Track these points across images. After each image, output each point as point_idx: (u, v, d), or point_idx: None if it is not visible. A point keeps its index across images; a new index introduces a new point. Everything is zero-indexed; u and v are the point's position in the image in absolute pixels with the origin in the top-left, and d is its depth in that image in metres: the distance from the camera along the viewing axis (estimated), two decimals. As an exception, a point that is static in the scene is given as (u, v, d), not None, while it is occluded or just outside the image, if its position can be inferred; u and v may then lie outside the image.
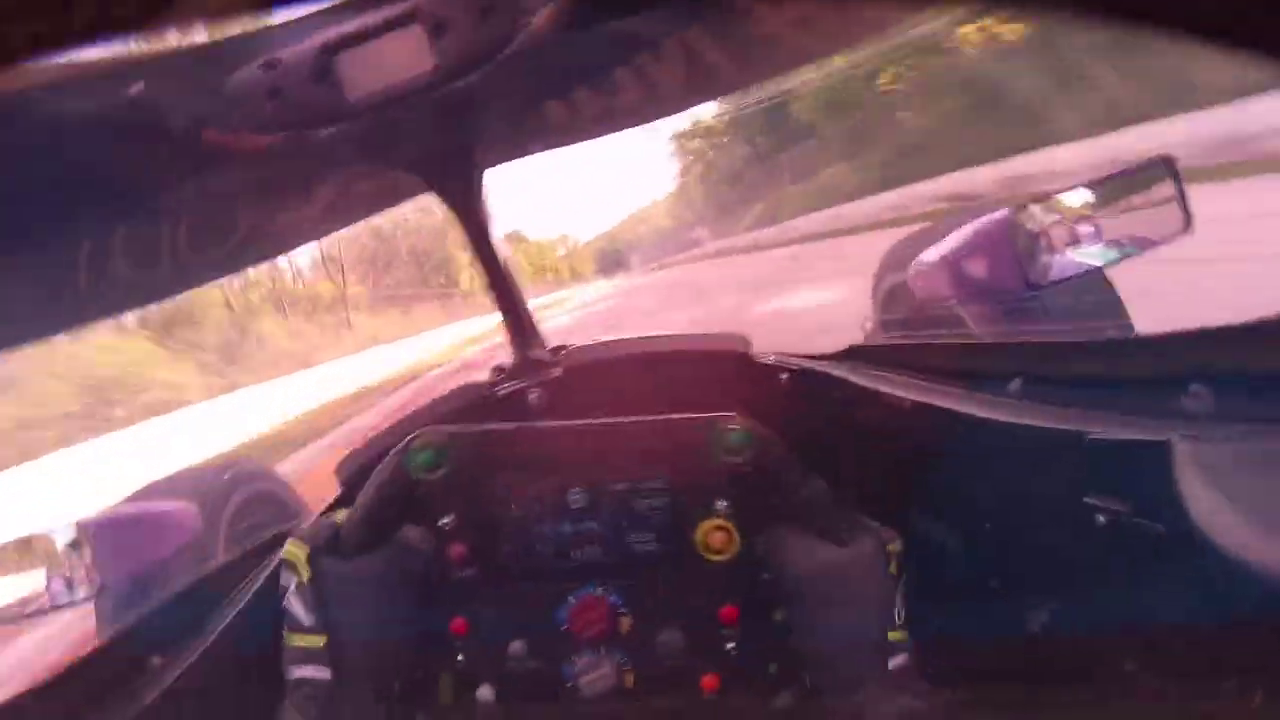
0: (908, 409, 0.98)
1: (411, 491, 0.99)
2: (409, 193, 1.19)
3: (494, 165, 1.11)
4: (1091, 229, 1.10)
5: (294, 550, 0.97)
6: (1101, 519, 0.82)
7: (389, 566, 0.97)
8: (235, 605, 1.12)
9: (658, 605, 1.00)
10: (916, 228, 1.62)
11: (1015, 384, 0.98)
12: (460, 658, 1.02)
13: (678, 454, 0.98)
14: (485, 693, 1.01)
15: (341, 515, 1.03)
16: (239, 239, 1.11)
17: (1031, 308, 1.18)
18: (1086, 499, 0.81)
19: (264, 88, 0.96)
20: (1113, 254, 1.09)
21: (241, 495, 1.54)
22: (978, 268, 1.07)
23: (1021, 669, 0.85)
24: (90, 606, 1.46)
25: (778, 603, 0.99)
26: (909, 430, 0.98)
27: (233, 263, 1.15)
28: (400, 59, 0.95)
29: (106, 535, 1.13)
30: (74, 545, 1.20)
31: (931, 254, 1.11)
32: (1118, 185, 1.10)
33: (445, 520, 1.01)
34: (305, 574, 0.97)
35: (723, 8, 1.01)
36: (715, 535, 0.98)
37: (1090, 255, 1.08)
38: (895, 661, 0.90)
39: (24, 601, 1.24)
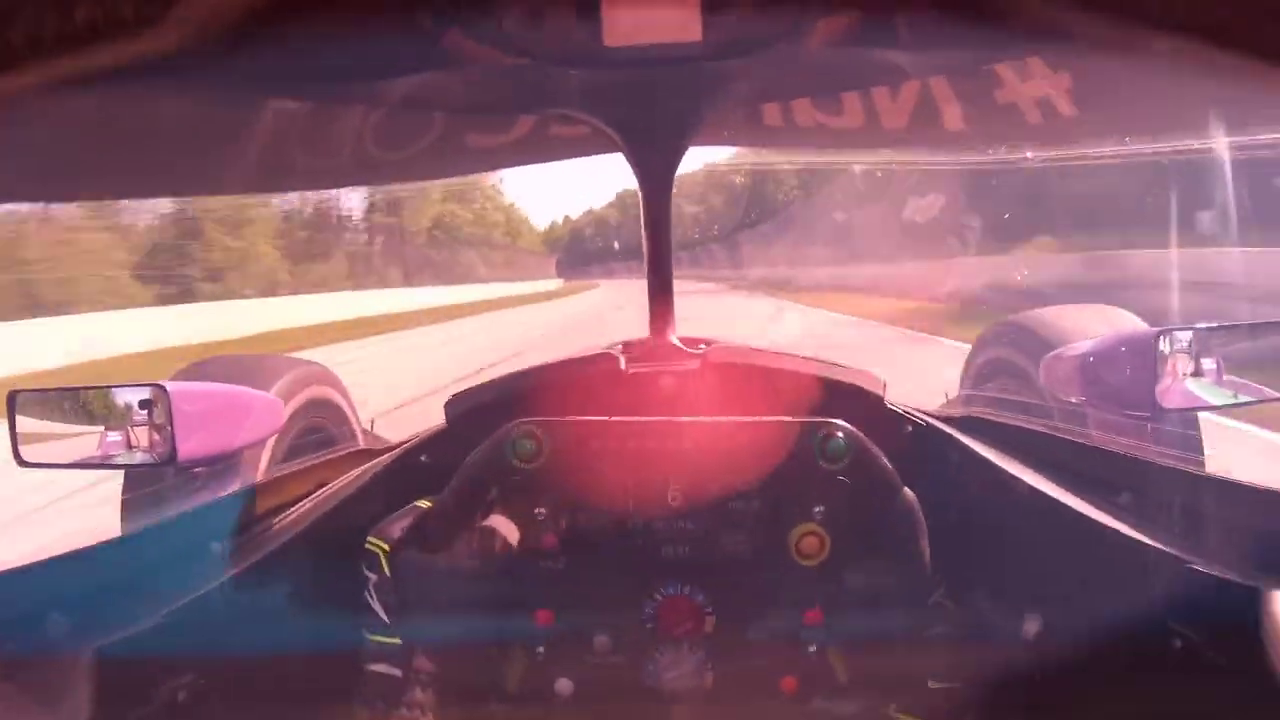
0: (1022, 491, 1.03)
1: (506, 479, 0.99)
2: (598, 149, 1.16)
3: (694, 145, 1.10)
4: (1215, 368, 1.17)
5: (376, 544, 0.98)
6: (1178, 644, 0.88)
7: (474, 557, 0.98)
8: (302, 511, 1.09)
9: (744, 606, 1.01)
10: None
11: (1125, 496, 1.03)
12: (541, 650, 1.01)
13: (778, 457, 0.99)
14: (564, 686, 1.01)
15: (426, 503, 1.02)
16: (424, 148, 1.06)
17: (1138, 427, 1.25)
18: (1170, 623, 0.88)
19: (526, 6, 0.92)
20: (1228, 397, 1.16)
21: (305, 396, 1.49)
22: (1114, 376, 1.13)
23: None
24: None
25: (856, 608, 1.01)
26: (1015, 511, 1.02)
27: (410, 170, 1.10)
28: (669, 22, 0.92)
29: (187, 406, 1.07)
30: (147, 406, 1.14)
31: (1072, 350, 1.16)
32: (1247, 333, 1.17)
33: (539, 510, 1.01)
34: (386, 569, 0.97)
35: (978, 68, 1.03)
36: (808, 540, 1.00)
37: (1212, 393, 1.15)
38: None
39: (78, 448, 1.17)
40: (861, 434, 1.00)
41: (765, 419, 1.00)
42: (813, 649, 1.01)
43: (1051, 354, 1.18)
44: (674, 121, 1.05)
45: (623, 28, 0.91)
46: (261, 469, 1.34)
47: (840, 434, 0.98)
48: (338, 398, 1.59)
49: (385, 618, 0.97)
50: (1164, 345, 1.13)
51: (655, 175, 1.08)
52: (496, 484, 1.00)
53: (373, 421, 1.63)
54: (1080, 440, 1.14)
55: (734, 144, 1.19)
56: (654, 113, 1.03)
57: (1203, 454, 1.40)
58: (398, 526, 1.00)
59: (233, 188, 1.05)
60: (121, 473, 1.40)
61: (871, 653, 1.00)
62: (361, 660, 0.99)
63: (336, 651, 1.00)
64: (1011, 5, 0.46)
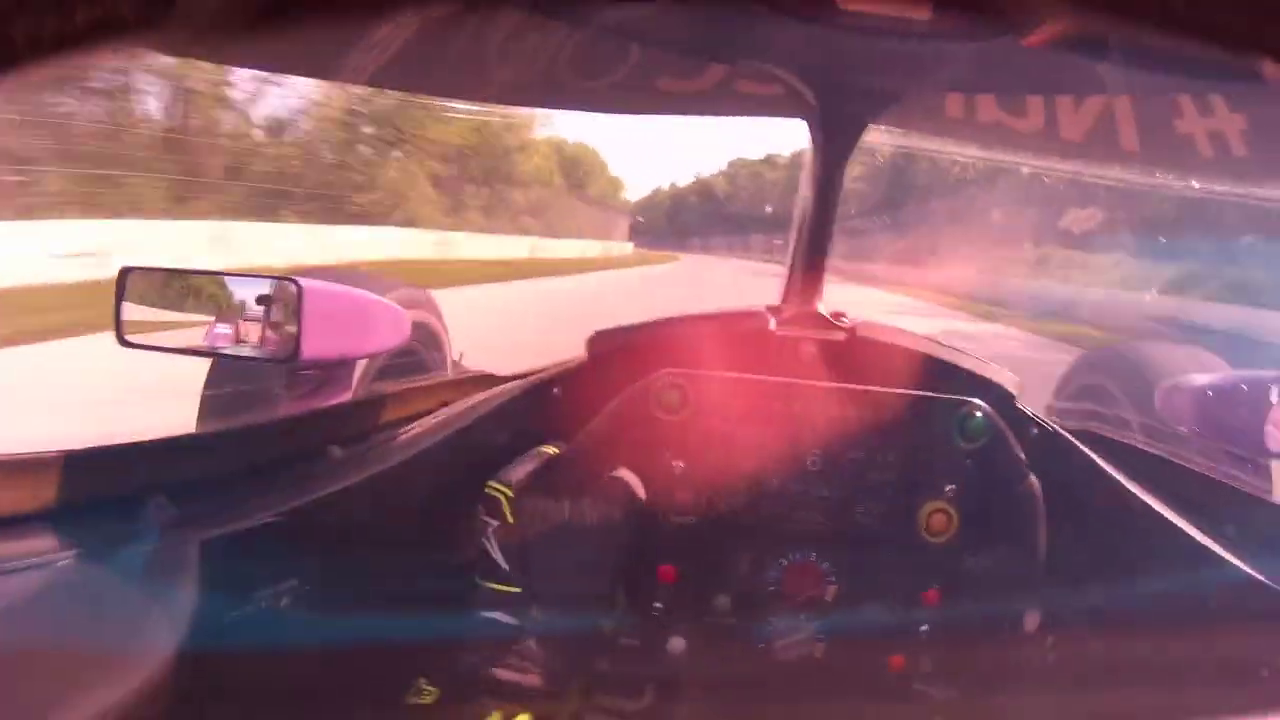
0: (1134, 506, 1.05)
1: (647, 429, 0.98)
2: (781, 111, 1.15)
3: (878, 122, 1.10)
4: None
5: (499, 489, 0.95)
6: (1265, 673, 0.92)
7: (604, 506, 0.96)
8: (425, 429, 1.06)
9: (867, 579, 1.02)
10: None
11: (1230, 528, 1.07)
12: (659, 605, 1.01)
13: (918, 431, 1.01)
14: (676, 644, 1.00)
15: (552, 449, 1.00)
16: (612, 82, 1.04)
17: (1236, 465, 1.29)
18: (1266, 655, 0.91)
19: None
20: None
21: (409, 317, 1.44)
22: (1229, 415, 1.16)
23: None
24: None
25: (974, 594, 1.02)
26: (1131, 528, 1.05)
27: (593, 101, 1.08)
28: None
29: (315, 304, 1.03)
30: (265, 300, 1.09)
31: (1189, 382, 1.20)
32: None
33: (676, 463, 1.00)
34: (508, 516, 0.94)
35: (1163, 95, 1.05)
36: (937, 517, 1.01)
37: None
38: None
39: (186, 335, 1.12)
40: (998, 417, 1.01)
41: (908, 392, 1.01)
42: (925, 629, 1.02)
43: (1170, 382, 1.22)
44: (871, 94, 1.04)
45: None
46: (355, 383, 1.30)
47: (980, 414, 1.00)
48: (436, 324, 1.55)
49: (504, 564, 0.95)
50: (1278, 392, 1.17)
51: (836, 145, 1.07)
52: (635, 432, 0.98)
53: (461, 354, 1.60)
54: (1194, 469, 1.18)
55: (912, 128, 1.20)
56: (857, 83, 1.03)
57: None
58: (522, 471, 0.97)
59: (417, 88, 1.02)
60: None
61: (979, 642, 1.02)
62: (475, 605, 0.96)
63: (449, 590, 0.98)
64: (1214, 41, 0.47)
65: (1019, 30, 0.93)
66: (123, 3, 0.24)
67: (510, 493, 0.94)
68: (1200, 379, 1.19)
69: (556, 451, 1.01)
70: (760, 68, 1.05)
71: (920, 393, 1.01)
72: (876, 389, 1.01)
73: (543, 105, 1.06)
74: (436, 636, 0.98)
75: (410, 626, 0.97)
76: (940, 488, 1.01)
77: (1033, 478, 1.01)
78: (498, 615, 0.95)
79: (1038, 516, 1.02)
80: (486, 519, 0.95)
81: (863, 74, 1.01)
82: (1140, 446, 1.21)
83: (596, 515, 0.96)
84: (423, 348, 1.52)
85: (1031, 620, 1.04)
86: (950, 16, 0.92)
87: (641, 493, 0.98)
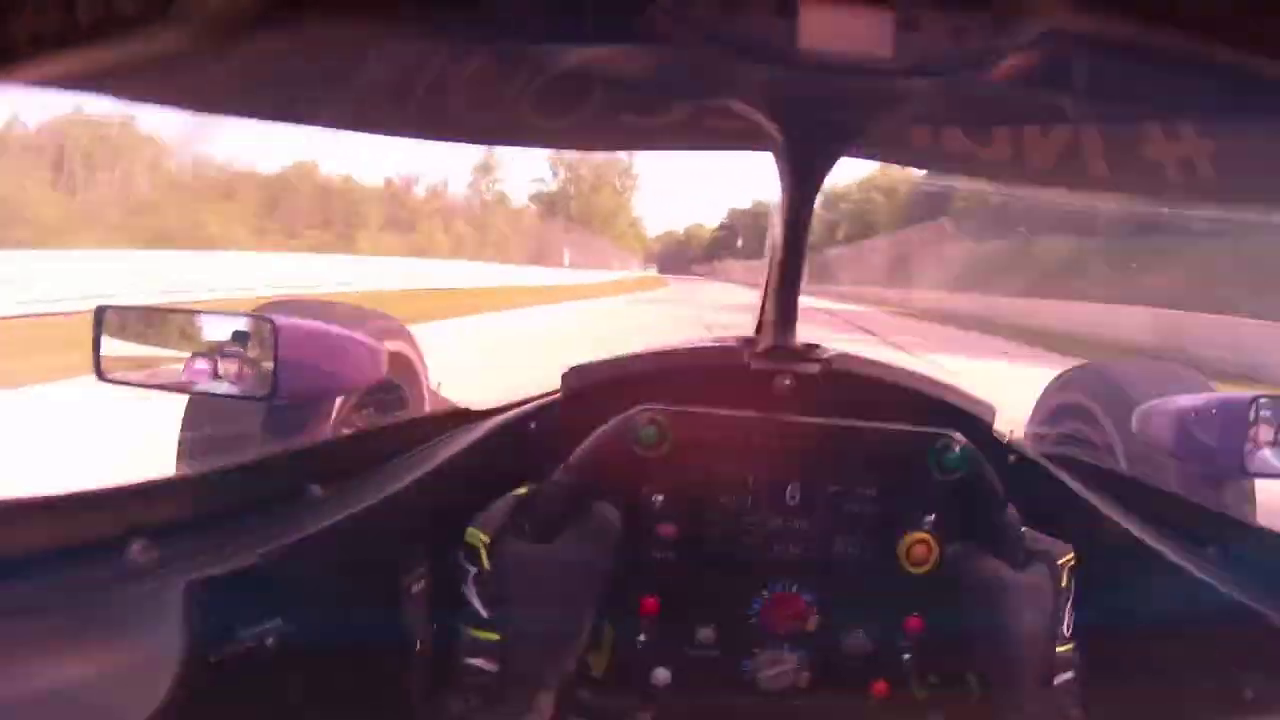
0: (1114, 532, 1.05)
1: (625, 465, 0.98)
2: (747, 145, 1.16)
3: (845, 156, 1.09)
4: (1295, 442, 1.20)
5: (476, 536, 0.95)
6: (1250, 695, 0.91)
7: (584, 541, 0.96)
8: (404, 467, 1.06)
9: (848, 609, 1.04)
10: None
11: (1212, 550, 1.07)
12: (643, 638, 1.02)
13: (896, 463, 1.02)
14: (662, 675, 1.02)
15: (524, 490, 1.00)
16: (578, 120, 1.04)
17: (1214, 484, 1.29)
18: (1244, 675, 0.91)
19: None
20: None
21: (385, 349, 1.44)
22: (1208, 435, 1.16)
23: None
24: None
25: (957, 616, 1.03)
26: (1107, 553, 1.05)
27: (560, 139, 1.08)
28: (862, 34, 0.91)
29: (291, 341, 1.04)
30: (241, 337, 1.10)
31: (1168, 404, 1.20)
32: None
33: (655, 498, 1.01)
34: (486, 563, 0.94)
35: (1130, 122, 1.04)
36: (918, 548, 1.03)
37: (1289, 467, 1.18)
38: (1061, 678, 0.98)
39: (162, 372, 1.12)
40: (975, 449, 1.01)
41: (885, 425, 1.01)
42: (907, 657, 1.03)
43: (1150, 404, 1.22)
44: (837, 130, 1.04)
45: (820, 32, 0.89)
46: (333, 418, 1.31)
47: (957, 447, 1.00)
48: (412, 355, 1.56)
49: (484, 612, 0.95)
50: (1255, 412, 1.17)
51: (803, 181, 1.07)
52: (614, 468, 0.99)
53: (439, 384, 1.60)
54: (1174, 493, 1.17)
55: (879, 160, 1.20)
56: (822, 119, 1.02)
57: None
58: (499, 514, 0.97)
59: (385, 127, 1.02)
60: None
61: (964, 668, 1.03)
62: (459, 652, 0.96)
63: (434, 634, 0.97)
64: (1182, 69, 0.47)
65: (981, 66, 0.93)
66: (125, 2, 0.24)
67: (487, 539, 0.94)
68: (1179, 400, 1.20)
69: (531, 490, 1.00)
70: (725, 104, 1.05)
71: (897, 426, 1.01)
72: (854, 423, 1.01)
73: (509, 143, 1.06)
74: (421, 679, 0.98)
75: (395, 668, 0.97)
76: (920, 519, 1.03)
77: (1011, 508, 1.02)
78: (481, 662, 0.95)
79: (1018, 546, 1.03)
80: (465, 566, 0.95)
81: (827, 110, 1.01)
82: (1118, 470, 1.21)
83: (576, 551, 0.96)
84: (400, 380, 1.52)
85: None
86: (914, 54, 0.92)
87: (620, 526, 0.99)
